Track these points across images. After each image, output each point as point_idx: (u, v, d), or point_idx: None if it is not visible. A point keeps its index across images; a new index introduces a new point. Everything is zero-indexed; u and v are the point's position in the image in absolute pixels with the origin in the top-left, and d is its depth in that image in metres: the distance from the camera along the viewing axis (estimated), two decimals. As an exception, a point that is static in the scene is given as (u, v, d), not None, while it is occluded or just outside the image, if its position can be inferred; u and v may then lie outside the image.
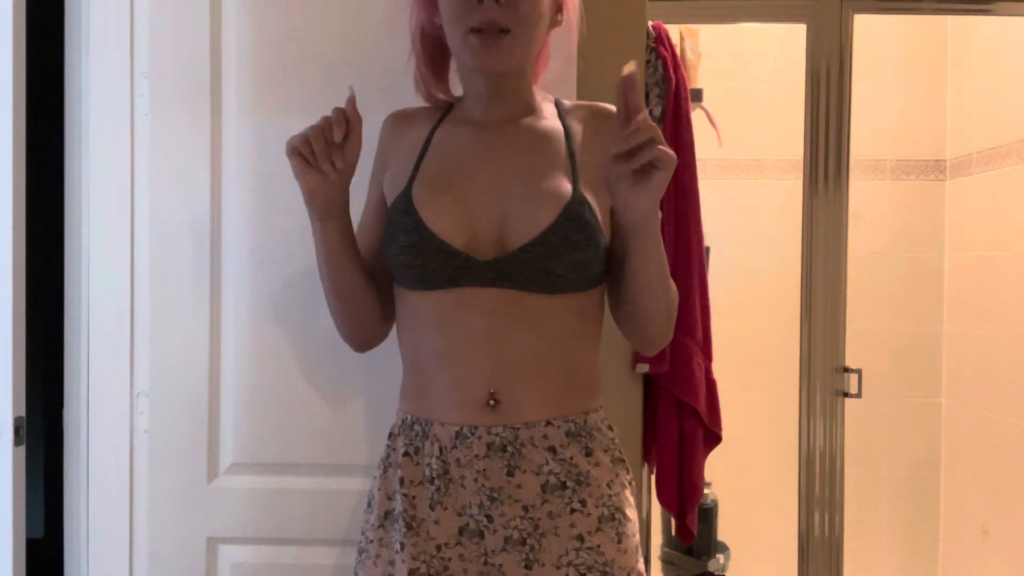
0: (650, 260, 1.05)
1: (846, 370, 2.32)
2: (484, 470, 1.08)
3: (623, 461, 1.16)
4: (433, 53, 1.21)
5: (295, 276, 1.43)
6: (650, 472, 1.84)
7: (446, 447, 1.10)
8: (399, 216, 1.10)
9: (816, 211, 2.32)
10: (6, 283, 1.35)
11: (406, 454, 1.13)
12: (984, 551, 2.89)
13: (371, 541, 1.14)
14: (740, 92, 3.09)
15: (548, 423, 1.09)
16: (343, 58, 1.42)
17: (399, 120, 1.24)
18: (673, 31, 1.85)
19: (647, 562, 1.82)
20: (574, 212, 1.07)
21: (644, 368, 1.70)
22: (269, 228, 1.43)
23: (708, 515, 2.18)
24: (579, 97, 1.43)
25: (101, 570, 1.45)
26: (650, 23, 1.74)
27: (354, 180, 1.14)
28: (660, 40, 1.76)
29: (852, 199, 2.33)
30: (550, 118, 1.18)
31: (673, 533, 2.13)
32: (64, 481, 1.47)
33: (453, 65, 1.21)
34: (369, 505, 1.18)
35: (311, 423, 1.44)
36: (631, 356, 1.68)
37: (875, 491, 3.13)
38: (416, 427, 1.14)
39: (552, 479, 1.08)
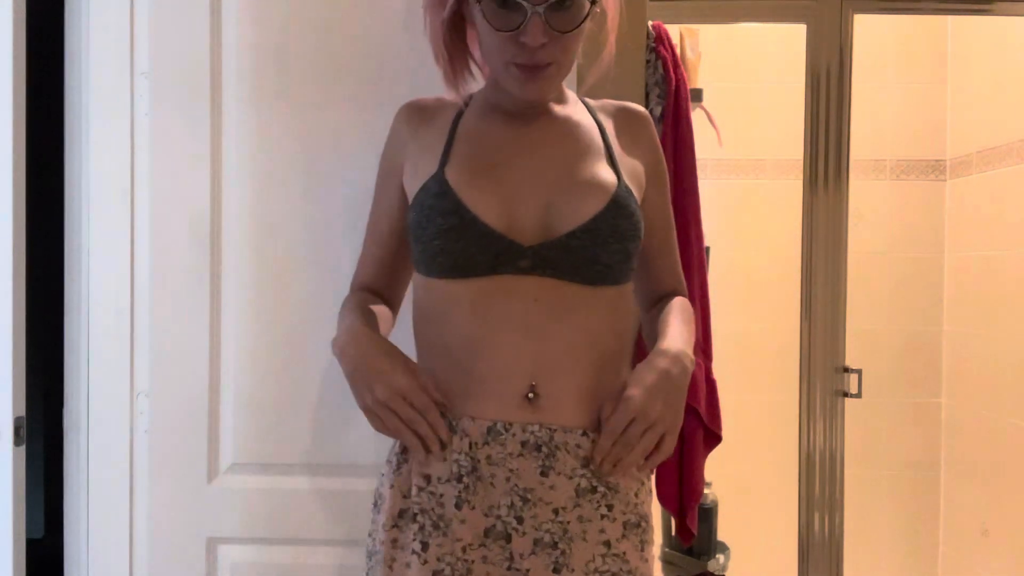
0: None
1: (846, 370, 2.32)
2: (516, 469, 1.04)
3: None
4: (454, 53, 1.14)
5: (295, 276, 1.43)
6: (649, 473, 1.83)
7: (476, 443, 1.05)
8: (434, 199, 1.06)
9: (816, 211, 2.32)
10: (6, 283, 1.35)
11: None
12: (984, 551, 2.89)
13: (382, 543, 1.08)
14: (740, 92, 3.09)
15: (584, 433, 1.06)
16: (343, 58, 1.42)
17: (416, 110, 1.19)
18: (673, 31, 1.85)
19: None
20: (623, 201, 1.06)
21: (644, 368, 1.69)
22: (269, 228, 1.43)
23: (708, 515, 2.18)
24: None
25: (101, 570, 1.45)
26: (650, 23, 1.74)
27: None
28: (660, 40, 1.76)
29: (852, 199, 2.33)
30: (578, 109, 1.17)
31: (673, 533, 2.13)
32: (64, 481, 1.47)
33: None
34: (376, 505, 1.13)
35: (311, 423, 1.44)
36: (631, 357, 1.68)
37: (875, 491, 3.13)
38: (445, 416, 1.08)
39: (584, 482, 1.05)
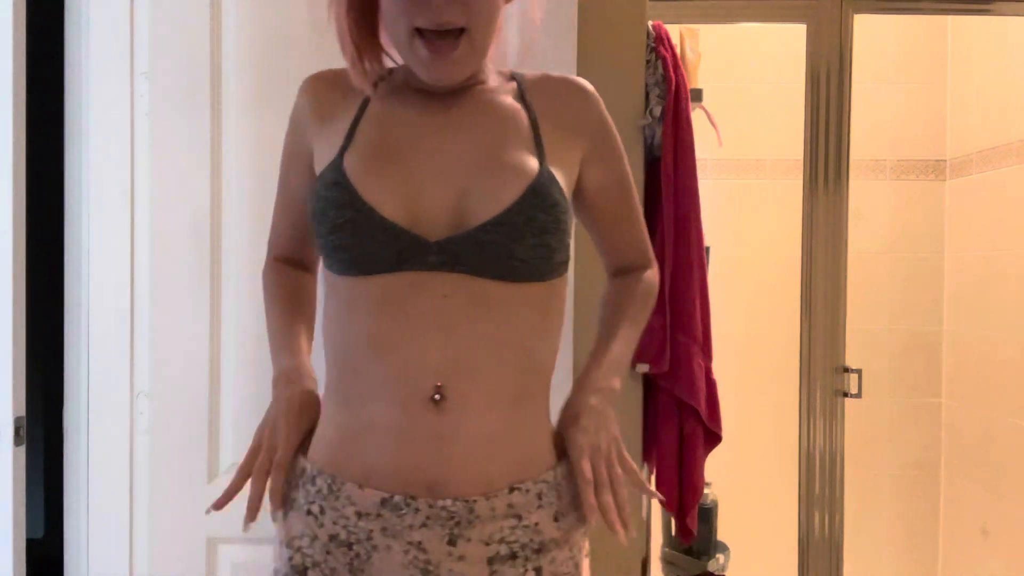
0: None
1: (846, 370, 2.32)
2: (420, 542, 0.93)
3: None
4: (359, 20, 1.02)
5: (295, 276, 1.43)
6: (650, 472, 1.83)
7: (368, 513, 0.94)
8: (329, 190, 0.95)
9: (816, 211, 2.32)
10: (6, 283, 1.35)
11: (309, 512, 0.97)
12: (984, 551, 2.89)
13: None
14: (740, 92, 3.09)
15: (514, 489, 0.95)
16: (343, 58, 1.41)
17: (322, 83, 1.06)
18: (673, 31, 1.85)
19: (647, 562, 1.82)
20: (541, 189, 0.95)
21: (644, 368, 1.70)
22: (269, 228, 1.43)
23: (708, 515, 2.18)
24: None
25: (101, 570, 1.45)
26: (650, 23, 1.73)
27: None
28: (660, 40, 1.75)
29: (852, 199, 2.33)
30: (506, 88, 1.05)
31: (673, 533, 2.13)
32: (64, 481, 1.47)
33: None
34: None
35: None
36: (631, 356, 1.68)
37: (875, 491, 3.13)
38: (319, 481, 0.97)
39: (503, 549, 0.94)
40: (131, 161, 1.44)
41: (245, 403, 1.44)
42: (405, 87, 1.04)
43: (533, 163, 0.97)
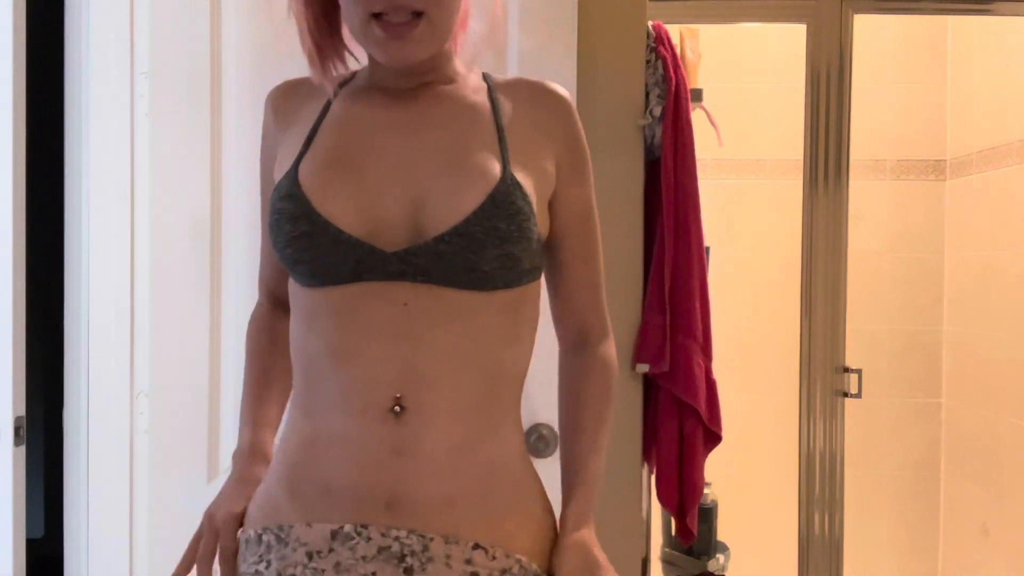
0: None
1: (846, 370, 2.32)
2: (374, 573, 0.88)
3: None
4: (318, 16, 0.99)
5: (295, 276, 1.43)
6: (650, 472, 1.84)
7: (319, 551, 0.89)
8: (283, 202, 0.91)
9: (816, 211, 2.32)
10: (6, 283, 1.35)
11: (256, 574, 0.92)
12: (984, 551, 2.89)
13: None
14: (740, 92, 3.09)
15: (478, 547, 0.89)
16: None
17: (286, 92, 1.03)
18: (673, 31, 1.85)
19: (647, 562, 1.82)
20: (503, 197, 0.89)
21: (644, 368, 1.70)
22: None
23: (708, 515, 2.18)
24: (579, 97, 1.43)
25: (101, 570, 1.45)
26: (650, 23, 1.74)
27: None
28: (660, 40, 1.76)
29: (852, 199, 2.33)
30: (474, 89, 1.00)
31: (673, 533, 2.13)
32: (64, 481, 1.47)
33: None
34: None
35: (311, 423, 1.44)
36: (631, 356, 1.68)
37: (875, 491, 3.13)
38: (265, 537, 0.93)
39: None
40: (131, 161, 1.44)
41: (245, 403, 1.44)
42: (369, 87, 1.00)
43: (494, 168, 0.91)
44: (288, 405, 1.02)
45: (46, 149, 1.47)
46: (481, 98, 0.99)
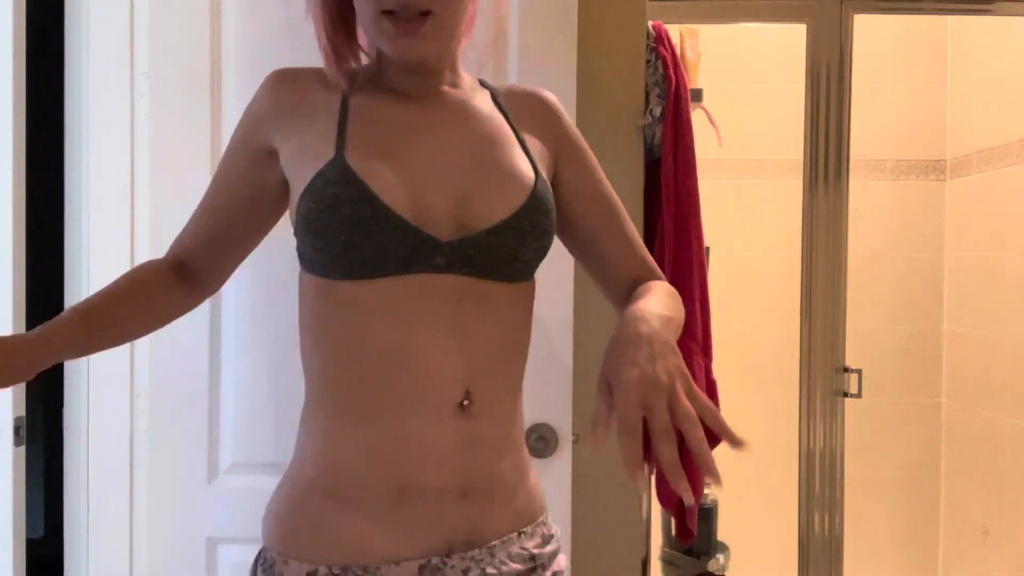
0: None
1: (846, 370, 2.32)
2: None
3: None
4: (334, 16, 1.02)
5: (295, 275, 1.43)
6: (650, 472, 1.83)
7: None
8: (337, 187, 0.90)
9: (816, 211, 2.32)
10: (6, 283, 1.35)
11: None
12: (984, 551, 2.89)
13: None
14: (740, 92, 3.09)
15: (521, 532, 0.99)
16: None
17: (288, 79, 1.03)
18: (673, 31, 1.85)
19: (647, 562, 1.82)
20: (542, 195, 0.98)
21: (644, 368, 1.69)
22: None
23: (708, 515, 2.18)
24: (579, 97, 1.43)
25: (101, 570, 1.45)
26: (650, 23, 1.73)
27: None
28: (660, 40, 1.75)
29: (852, 199, 2.33)
30: (481, 94, 1.07)
31: (673, 533, 2.13)
32: (64, 481, 1.47)
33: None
34: None
35: (311, 423, 1.44)
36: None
37: (875, 491, 3.13)
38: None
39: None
40: (131, 161, 1.44)
41: (245, 403, 1.44)
42: (379, 87, 1.02)
43: (529, 168, 1.00)
44: (312, 415, 0.98)
45: (46, 149, 1.47)
46: (489, 103, 1.06)
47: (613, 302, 1.11)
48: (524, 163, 1.00)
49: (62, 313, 0.97)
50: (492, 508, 0.97)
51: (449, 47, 1.01)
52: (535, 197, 0.97)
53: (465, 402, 0.93)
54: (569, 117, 1.12)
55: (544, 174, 1.02)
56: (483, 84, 1.09)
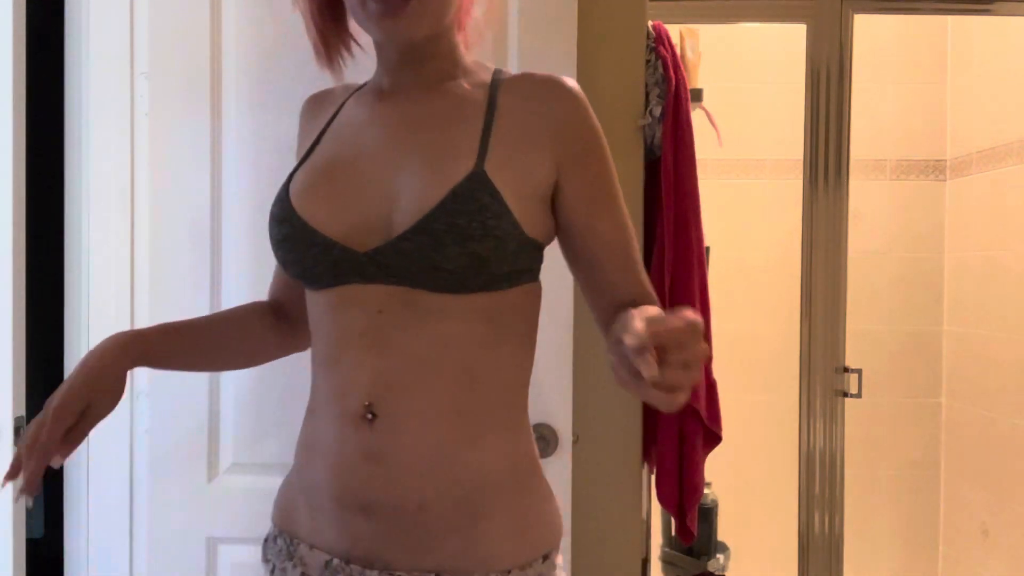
0: None
1: (846, 370, 2.32)
2: None
3: None
4: (322, 7, 1.00)
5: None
6: (650, 472, 1.84)
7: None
8: (274, 207, 0.95)
9: (816, 211, 2.32)
10: (6, 283, 1.35)
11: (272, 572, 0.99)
12: (984, 551, 2.89)
13: None
14: (740, 92, 3.09)
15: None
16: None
17: (313, 103, 1.08)
18: (673, 31, 1.85)
19: (647, 562, 1.82)
20: (465, 192, 0.86)
21: (644, 368, 1.69)
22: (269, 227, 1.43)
23: (708, 515, 2.18)
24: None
25: (101, 570, 1.45)
26: (650, 23, 1.74)
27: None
28: (660, 40, 1.76)
29: (852, 199, 2.34)
30: (476, 85, 0.98)
31: (673, 533, 2.13)
32: (64, 481, 1.47)
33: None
34: None
35: (311, 423, 1.44)
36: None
37: (875, 491, 3.13)
38: (279, 541, 0.99)
39: None
40: (131, 161, 1.44)
41: (245, 403, 1.44)
42: (371, 91, 1.02)
43: (463, 165, 0.88)
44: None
45: (46, 149, 1.47)
46: (479, 95, 0.96)
47: (600, 322, 0.98)
48: (461, 160, 0.88)
49: (152, 326, 1.06)
50: (401, 535, 0.89)
51: (441, 33, 0.96)
52: (454, 195, 0.86)
53: (368, 415, 0.89)
54: (590, 114, 0.97)
55: (506, 170, 0.89)
56: (496, 74, 1.00)
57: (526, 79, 0.98)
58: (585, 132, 0.95)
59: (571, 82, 0.97)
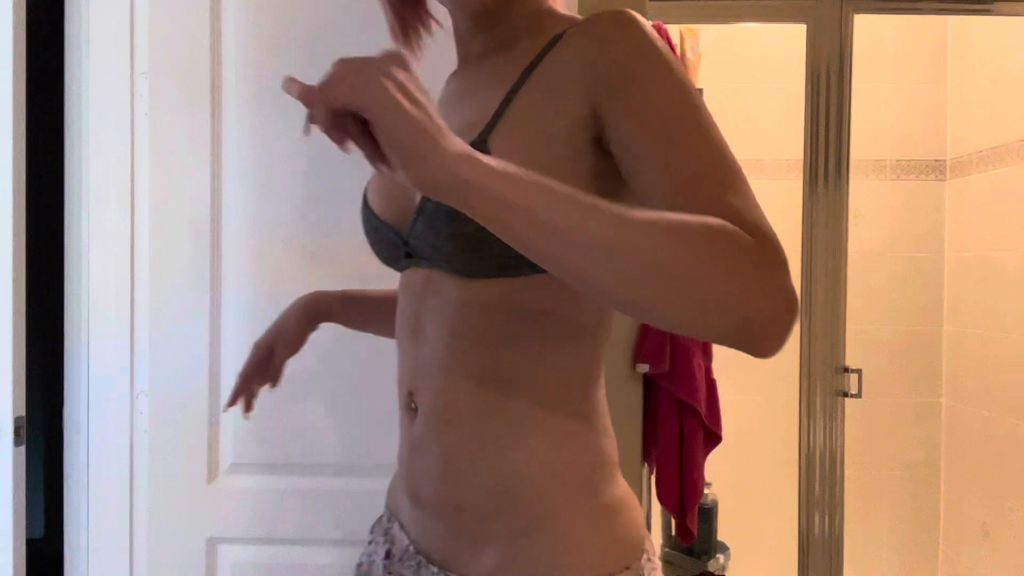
0: (532, 241, 0.63)
1: (846, 370, 2.32)
2: None
3: None
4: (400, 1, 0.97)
5: (295, 276, 1.43)
6: (650, 472, 1.84)
7: (395, 556, 0.94)
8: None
9: (816, 211, 2.32)
10: (6, 283, 1.35)
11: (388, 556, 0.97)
12: (984, 551, 2.89)
13: None
14: (740, 92, 3.09)
15: None
16: (343, 57, 1.41)
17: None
18: (673, 31, 1.86)
19: (647, 562, 1.82)
20: None
21: (644, 368, 1.70)
22: (269, 228, 1.43)
23: (708, 515, 2.18)
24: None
25: (101, 570, 1.45)
26: (650, 23, 1.74)
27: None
28: (660, 40, 1.76)
29: (852, 199, 2.34)
30: (542, 41, 0.86)
31: (673, 533, 2.13)
32: (64, 481, 1.47)
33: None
34: None
35: (311, 423, 1.44)
36: (631, 355, 1.68)
37: (875, 491, 3.13)
38: (384, 518, 1.00)
39: None
40: (131, 161, 1.44)
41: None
42: (458, 68, 0.97)
43: (466, 138, 0.78)
44: None
45: (46, 149, 1.47)
46: (532, 53, 0.84)
47: None
48: (478, 121, 0.81)
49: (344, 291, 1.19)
50: (450, 535, 0.85)
51: None
52: None
53: (413, 405, 0.88)
54: (630, 34, 0.78)
55: (511, 142, 0.78)
56: (576, 21, 0.86)
57: (591, 22, 0.81)
58: (624, 54, 0.77)
59: (625, 15, 0.80)
